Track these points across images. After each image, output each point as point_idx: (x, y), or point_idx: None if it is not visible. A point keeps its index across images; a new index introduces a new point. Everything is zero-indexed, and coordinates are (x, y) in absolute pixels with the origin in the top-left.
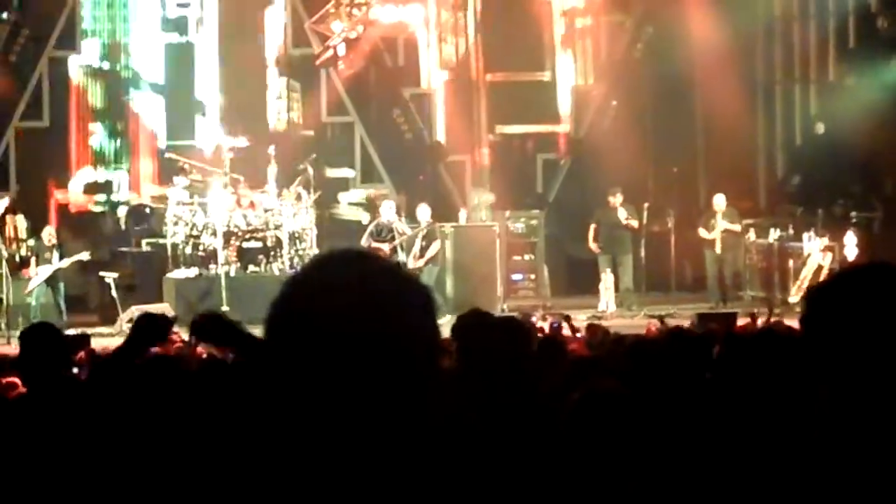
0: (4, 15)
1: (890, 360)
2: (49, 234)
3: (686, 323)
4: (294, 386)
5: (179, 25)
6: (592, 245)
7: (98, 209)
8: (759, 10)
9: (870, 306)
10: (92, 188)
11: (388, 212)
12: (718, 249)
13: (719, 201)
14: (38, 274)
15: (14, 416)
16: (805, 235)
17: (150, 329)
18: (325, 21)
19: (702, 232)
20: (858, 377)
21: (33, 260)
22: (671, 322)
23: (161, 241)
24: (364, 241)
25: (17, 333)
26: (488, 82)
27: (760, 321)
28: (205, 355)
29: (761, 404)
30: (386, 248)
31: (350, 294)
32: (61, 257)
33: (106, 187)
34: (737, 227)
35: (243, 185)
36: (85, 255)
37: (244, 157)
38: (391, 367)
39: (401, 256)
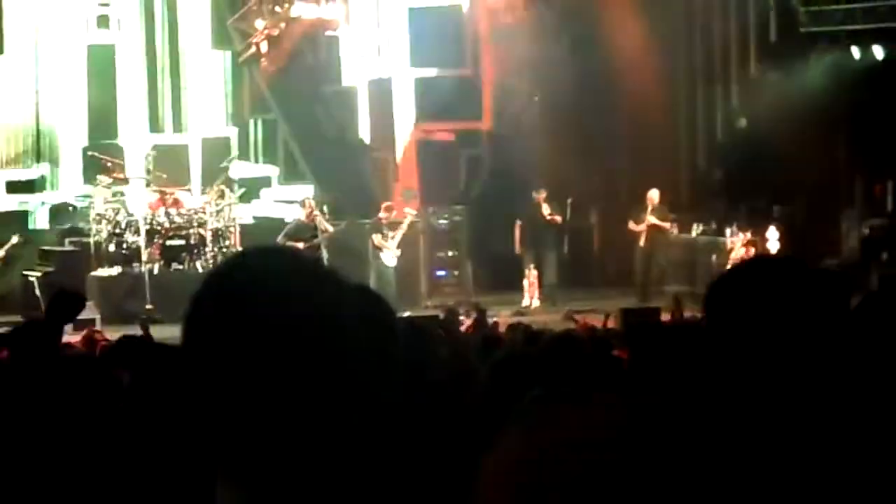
0: None
1: (781, 352)
2: None
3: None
4: (214, 386)
5: (101, 24)
6: (518, 245)
7: (21, 208)
8: (681, 5)
9: (764, 298)
10: (15, 186)
11: (306, 209)
12: (642, 243)
13: (653, 196)
14: None
15: None
16: (727, 230)
17: (65, 305)
18: (247, 18)
19: (630, 225)
20: (755, 367)
21: None
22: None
23: (85, 239)
24: (280, 240)
25: None
26: (411, 79)
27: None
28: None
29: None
30: (301, 245)
31: (267, 291)
32: None
33: (28, 186)
34: (665, 224)
35: (166, 183)
36: (14, 238)
37: (167, 154)
38: (312, 365)
39: (323, 254)
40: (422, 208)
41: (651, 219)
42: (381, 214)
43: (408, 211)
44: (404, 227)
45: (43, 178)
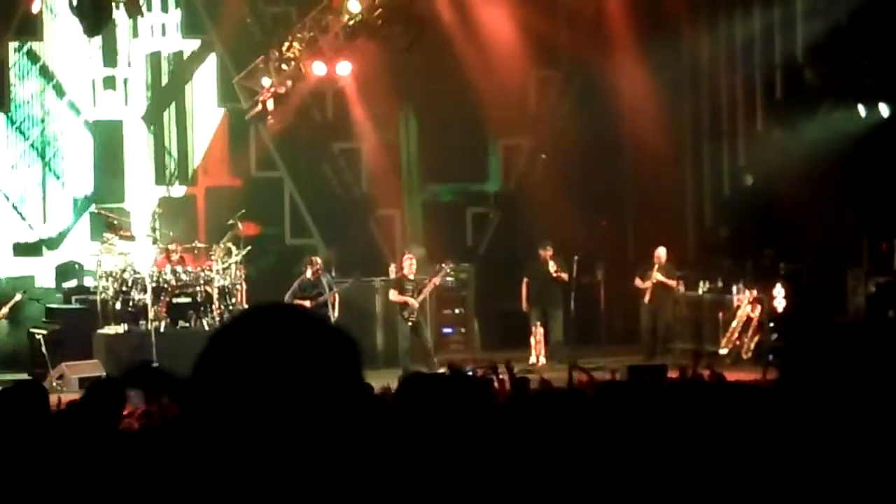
0: None
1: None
2: None
3: (616, 376)
4: (217, 438)
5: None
6: (524, 302)
7: (28, 267)
8: (686, 62)
9: (845, 361)
10: (22, 248)
11: (312, 267)
12: (647, 300)
13: (660, 253)
14: None
15: None
16: (734, 287)
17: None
18: (254, 76)
19: (637, 282)
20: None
21: None
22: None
23: (91, 297)
24: (287, 298)
25: None
26: (417, 138)
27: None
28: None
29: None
30: (307, 303)
31: (271, 347)
32: None
33: (35, 246)
34: (672, 283)
35: (172, 241)
36: (18, 296)
37: (173, 212)
38: (313, 419)
39: (330, 312)
40: (427, 266)
41: (657, 276)
42: (405, 270)
43: (444, 266)
44: (437, 280)
45: (50, 239)
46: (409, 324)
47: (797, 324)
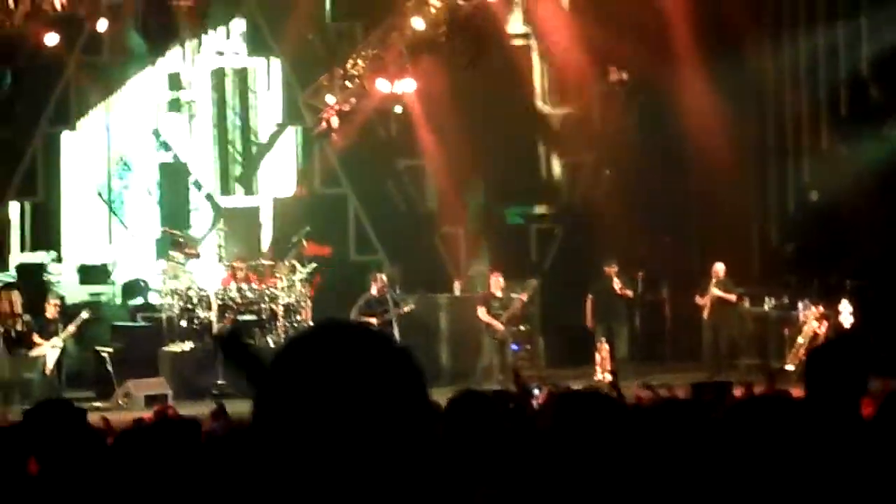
0: None
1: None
2: (54, 305)
3: (680, 392)
4: (284, 457)
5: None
6: (589, 319)
7: (95, 284)
8: (751, 78)
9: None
10: (87, 272)
11: (378, 284)
12: (706, 316)
13: (718, 269)
14: (53, 346)
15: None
16: (800, 303)
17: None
18: (319, 94)
19: (697, 298)
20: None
21: (35, 336)
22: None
23: (156, 315)
24: (353, 315)
25: (15, 409)
26: (482, 155)
27: (758, 390)
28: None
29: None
30: (374, 321)
31: (338, 365)
32: (65, 326)
33: (102, 272)
34: (731, 297)
35: (237, 259)
36: (85, 314)
37: (238, 229)
38: (378, 439)
39: (395, 331)
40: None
41: (715, 291)
42: (492, 288)
43: (530, 284)
44: (525, 298)
45: (115, 263)
46: (494, 340)
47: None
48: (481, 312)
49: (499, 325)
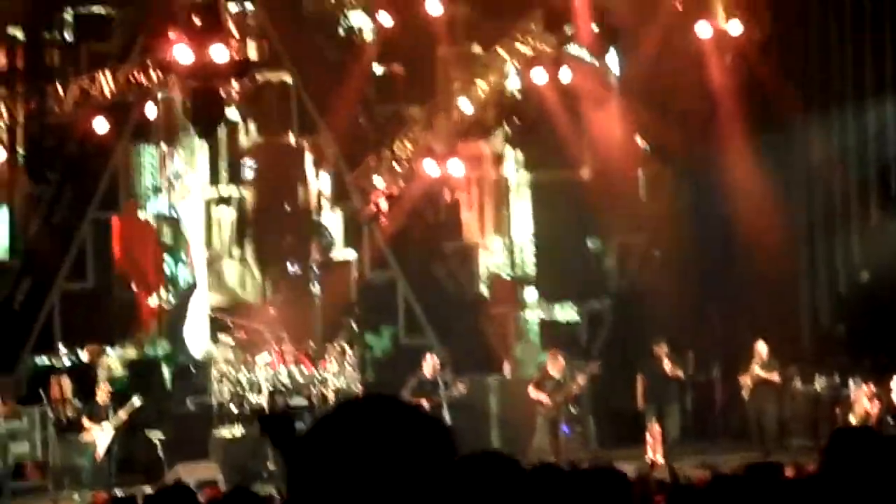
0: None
1: None
2: (105, 390)
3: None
4: None
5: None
6: (640, 400)
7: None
8: (799, 157)
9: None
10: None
11: (430, 367)
12: (746, 396)
13: (759, 348)
14: (103, 430)
15: None
16: (851, 382)
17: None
18: (367, 175)
19: (740, 378)
20: None
21: (85, 421)
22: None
23: (207, 399)
24: (404, 395)
25: (65, 494)
26: (533, 236)
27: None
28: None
29: None
30: (425, 402)
31: (368, 439)
32: (115, 412)
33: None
34: (772, 377)
35: (287, 342)
36: (137, 401)
37: (289, 312)
38: None
39: (445, 413)
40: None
41: (758, 371)
42: (550, 369)
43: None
44: (582, 381)
45: (166, 355)
46: (546, 419)
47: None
48: (531, 390)
49: (548, 400)
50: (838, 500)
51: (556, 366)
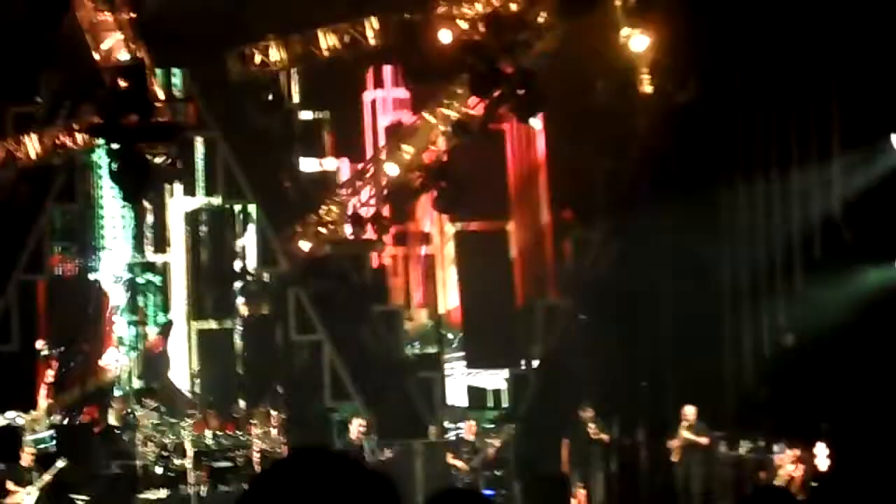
0: None
1: None
2: (29, 452)
3: None
4: None
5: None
6: (566, 463)
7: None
8: (725, 221)
9: None
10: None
11: (356, 430)
12: (675, 459)
13: (687, 412)
14: (29, 494)
15: None
16: (776, 447)
17: None
18: (293, 240)
19: (668, 442)
20: None
21: (9, 483)
22: None
23: (130, 462)
24: None
25: None
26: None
27: None
28: None
29: None
30: None
31: (310, 491)
32: (40, 474)
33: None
34: (702, 440)
35: (212, 406)
36: (61, 463)
37: (212, 376)
38: None
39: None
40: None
41: (686, 435)
42: (463, 433)
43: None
44: (489, 450)
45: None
46: (464, 484)
47: (840, 484)
48: (448, 457)
49: (464, 466)
50: None
51: (470, 430)
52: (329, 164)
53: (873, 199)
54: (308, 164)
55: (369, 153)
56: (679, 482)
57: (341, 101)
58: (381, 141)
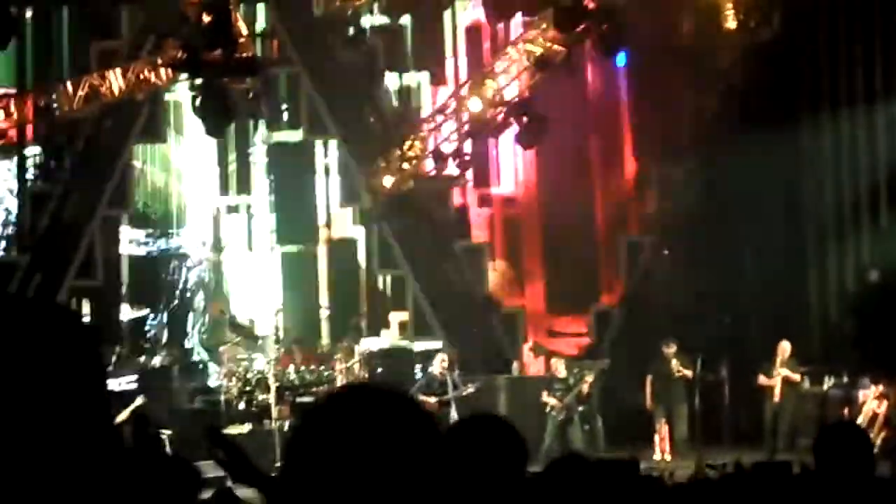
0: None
1: None
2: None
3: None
4: None
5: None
6: (649, 399)
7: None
8: (809, 156)
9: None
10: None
11: (438, 366)
12: (776, 397)
13: (784, 347)
14: None
15: None
16: (859, 382)
17: None
18: (376, 176)
19: (761, 379)
20: None
21: None
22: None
23: (215, 397)
24: (412, 393)
25: None
26: (540, 235)
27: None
28: None
29: None
30: (433, 400)
31: (356, 430)
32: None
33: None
34: (796, 377)
35: (296, 340)
36: (140, 399)
37: (297, 311)
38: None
39: (452, 412)
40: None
41: (783, 371)
42: (553, 370)
43: (597, 365)
44: (582, 386)
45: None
46: (557, 421)
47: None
48: (543, 395)
49: (557, 403)
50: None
51: (563, 367)
52: (410, 78)
53: None
54: (390, 81)
55: (450, 65)
56: (767, 418)
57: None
58: (462, 49)
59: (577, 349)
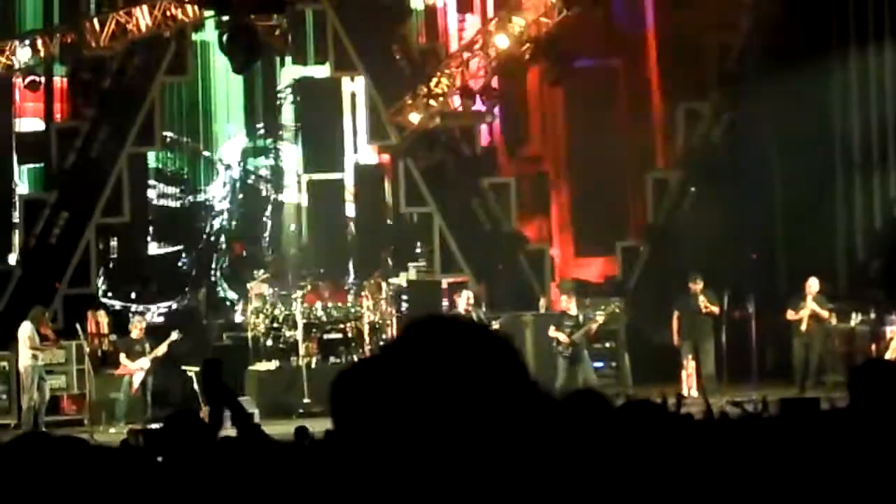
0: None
1: None
2: (139, 325)
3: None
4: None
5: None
6: (675, 336)
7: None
8: (837, 94)
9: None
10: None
11: (464, 302)
12: (803, 328)
13: (812, 283)
14: (141, 368)
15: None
16: (887, 318)
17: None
18: (403, 113)
19: (789, 314)
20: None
21: (122, 356)
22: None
23: (242, 333)
24: None
25: (100, 427)
26: (566, 172)
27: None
28: None
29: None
30: None
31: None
32: (151, 348)
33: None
34: (824, 313)
35: (323, 277)
36: (175, 335)
37: (324, 248)
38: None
39: None
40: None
41: (811, 306)
42: (563, 306)
43: (609, 305)
44: (591, 324)
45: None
46: (565, 358)
47: None
48: (551, 330)
49: (565, 339)
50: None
51: (574, 304)
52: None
53: None
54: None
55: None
56: (796, 354)
57: None
58: None
59: (604, 285)
